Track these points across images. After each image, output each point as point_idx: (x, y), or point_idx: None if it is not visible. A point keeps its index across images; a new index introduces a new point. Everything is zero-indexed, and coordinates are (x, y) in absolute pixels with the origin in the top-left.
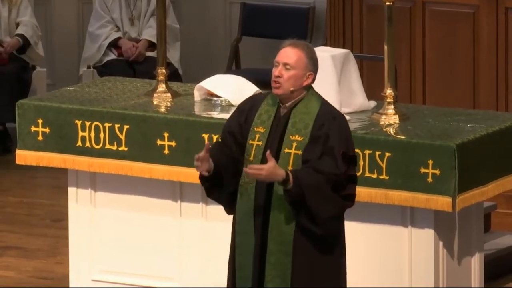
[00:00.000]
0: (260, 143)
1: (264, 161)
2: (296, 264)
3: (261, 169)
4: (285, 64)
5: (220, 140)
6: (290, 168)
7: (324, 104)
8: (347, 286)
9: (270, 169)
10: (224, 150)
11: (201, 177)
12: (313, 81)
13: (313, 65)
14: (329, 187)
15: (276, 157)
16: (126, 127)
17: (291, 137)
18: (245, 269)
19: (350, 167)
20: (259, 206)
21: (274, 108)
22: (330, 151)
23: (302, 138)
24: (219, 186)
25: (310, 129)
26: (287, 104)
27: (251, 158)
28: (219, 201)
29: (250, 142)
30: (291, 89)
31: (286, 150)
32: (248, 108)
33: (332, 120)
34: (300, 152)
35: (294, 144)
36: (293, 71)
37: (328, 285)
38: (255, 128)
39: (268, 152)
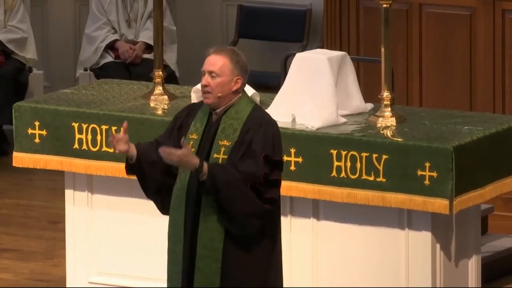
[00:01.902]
0: (192, 149)
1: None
2: (225, 270)
3: (174, 153)
4: (210, 72)
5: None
6: None
7: (255, 109)
8: (345, 287)
9: (182, 155)
10: (157, 146)
11: (126, 165)
12: (243, 85)
13: (240, 69)
14: (244, 185)
15: (207, 162)
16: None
17: (220, 142)
18: (176, 275)
19: (274, 172)
20: (190, 213)
21: (207, 115)
22: (251, 153)
23: (230, 142)
24: (145, 179)
25: (238, 134)
26: (218, 111)
27: None
28: (150, 198)
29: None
30: (219, 95)
31: (215, 155)
32: (184, 115)
33: (258, 125)
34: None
35: (223, 149)
36: (219, 78)
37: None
38: (190, 135)
39: (182, 139)
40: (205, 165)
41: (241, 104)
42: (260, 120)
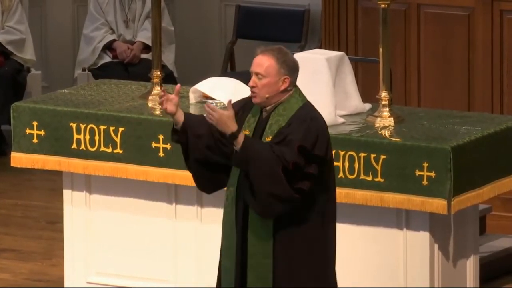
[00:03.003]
0: None
1: None
2: (277, 266)
3: (217, 110)
4: (257, 74)
5: None
6: None
7: (303, 108)
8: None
9: (223, 116)
10: (208, 123)
11: (172, 131)
12: (291, 84)
13: (287, 69)
14: (275, 164)
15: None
16: (121, 129)
17: (266, 138)
18: (230, 272)
19: (312, 166)
20: (240, 209)
21: (259, 112)
22: (287, 142)
23: None
24: (187, 148)
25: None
26: (268, 108)
27: None
28: (188, 167)
29: None
30: (267, 96)
31: None
32: (239, 107)
33: (301, 121)
34: None
35: None
36: (265, 79)
37: (312, 285)
38: (243, 131)
39: (229, 100)
40: (242, 134)
41: (291, 102)
42: (304, 117)
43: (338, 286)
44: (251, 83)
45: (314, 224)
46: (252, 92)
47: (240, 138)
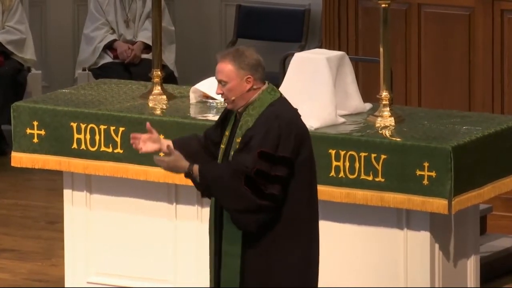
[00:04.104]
0: (223, 146)
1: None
2: (245, 266)
3: (163, 160)
4: (220, 81)
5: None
6: None
7: (272, 105)
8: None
9: (170, 161)
10: (205, 138)
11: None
12: (256, 81)
13: (247, 68)
14: (234, 181)
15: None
16: (121, 129)
17: (236, 139)
18: (210, 270)
19: (278, 168)
20: (217, 210)
21: (235, 113)
22: (249, 149)
23: None
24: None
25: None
26: (239, 110)
27: (219, 160)
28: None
29: (221, 145)
30: (233, 98)
31: (232, 152)
32: (225, 113)
33: (264, 121)
34: None
35: (237, 146)
36: (229, 84)
37: (287, 285)
38: (226, 132)
39: (167, 145)
40: (195, 167)
41: (260, 100)
42: (268, 116)
43: (338, 286)
44: (217, 90)
45: (286, 224)
46: (223, 99)
47: (195, 171)
